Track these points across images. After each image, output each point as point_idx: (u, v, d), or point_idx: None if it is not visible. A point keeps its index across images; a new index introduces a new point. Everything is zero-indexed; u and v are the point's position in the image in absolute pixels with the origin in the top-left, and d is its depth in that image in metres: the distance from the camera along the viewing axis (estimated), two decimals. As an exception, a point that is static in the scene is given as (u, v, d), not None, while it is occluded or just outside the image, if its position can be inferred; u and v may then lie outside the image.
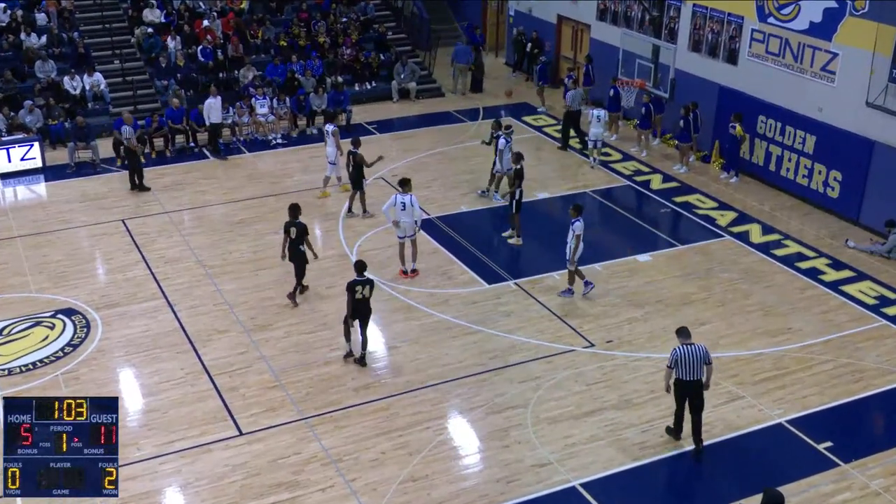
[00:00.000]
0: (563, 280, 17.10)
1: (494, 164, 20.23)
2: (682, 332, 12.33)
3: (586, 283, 16.52)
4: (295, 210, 16.12)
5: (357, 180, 19.38)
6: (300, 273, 16.37)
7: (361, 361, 14.63)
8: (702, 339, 15.22)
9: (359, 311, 14.42)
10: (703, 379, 12.21)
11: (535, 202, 20.60)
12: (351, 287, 14.28)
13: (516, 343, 15.24)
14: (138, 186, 21.01)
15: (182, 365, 14.58)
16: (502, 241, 18.76)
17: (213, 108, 22.73)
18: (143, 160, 21.56)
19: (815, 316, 16.20)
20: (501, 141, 19.95)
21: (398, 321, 15.89)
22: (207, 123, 23.06)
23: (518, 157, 18.60)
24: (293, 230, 15.97)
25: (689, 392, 12.26)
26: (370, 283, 14.39)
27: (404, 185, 17.02)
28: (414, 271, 17.37)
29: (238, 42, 26.89)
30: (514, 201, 18.36)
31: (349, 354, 14.74)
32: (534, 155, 23.46)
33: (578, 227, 15.99)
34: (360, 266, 14.44)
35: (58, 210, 20.27)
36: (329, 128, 20.54)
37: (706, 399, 12.50)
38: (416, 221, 16.94)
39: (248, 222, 19.58)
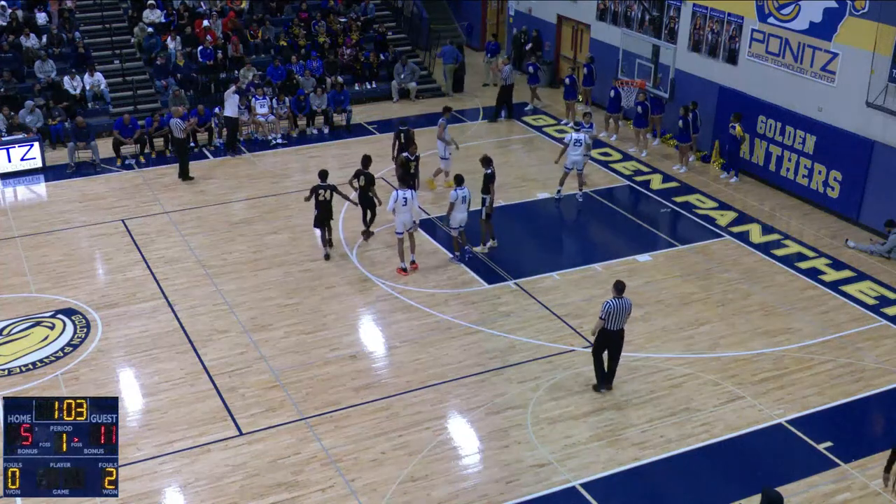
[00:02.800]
0: (563, 280, 17.13)
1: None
2: (618, 287, 13.37)
3: (462, 252, 17.85)
4: (366, 160, 18.13)
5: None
6: (367, 217, 18.44)
7: (329, 244, 18.03)
8: (702, 338, 15.32)
9: (323, 211, 17.53)
10: (624, 328, 13.51)
11: (536, 202, 20.62)
12: (314, 190, 17.40)
13: (516, 343, 15.24)
14: (184, 176, 21.57)
15: (182, 365, 14.58)
16: (502, 240, 18.71)
17: (228, 101, 22.82)
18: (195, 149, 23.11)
19: (815, 316, 16.19)
20: (576, 136, 20.02)
21: (398, 321, 15.89)
22: (222, 117, 23.45)
23: (487, 162, 18.14)
24: (362, 178, 17.89)
25: (612, 341, 13.48)
26: (332, 187, 17.50)
27: (460, 183, 17.53)
28: (413, 263, 17.48)
29: (238, 42, 26.91)
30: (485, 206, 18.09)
31: (327, 256, 17.87)
32: (534, 155, 23.51)
33: (452, 195, 17.24)
34: (323, 174, 17.59)
35: (58, 210, 20.27)
36: (441, 121, 20.86)
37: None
38: (414, 220, 17.21)
39: (247, 222, 19.58)
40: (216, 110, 23.94)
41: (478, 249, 18.22)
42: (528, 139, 24.58)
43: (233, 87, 23.09)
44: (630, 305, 13.46)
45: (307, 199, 17.58)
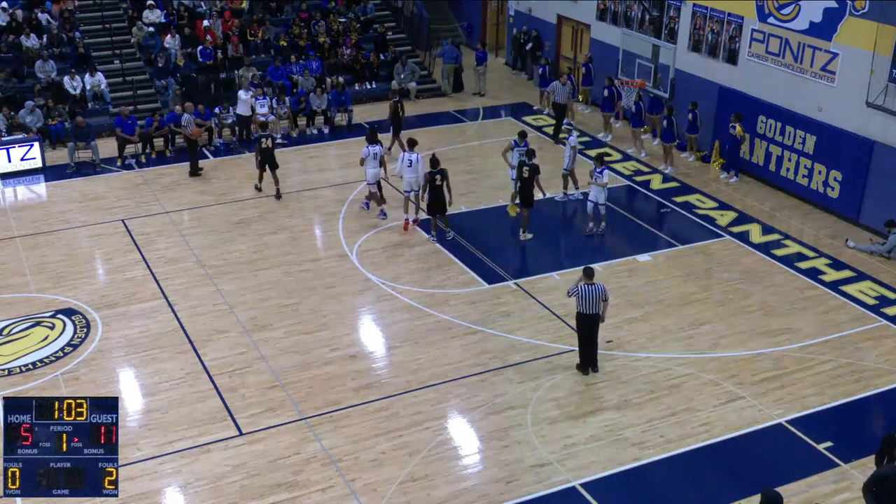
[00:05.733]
0: (563, 280, 17.15)
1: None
2: (587, 273, 13.89)
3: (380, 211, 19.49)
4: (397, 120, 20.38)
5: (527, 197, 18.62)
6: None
7: (277, 196, 20.46)
8: (702, 338, 15.32)
9: (266, 158, 20.22)
10: (600, 312, 13.89)
11: (535, 202, 20.56)
12: (258, 139, 20.28)
13: (516, 343, 15.24)
14: (194, 172, 21.99)
15: (182, 365, 14.58)
16: (502, 240, 18.76)
17: (241, 101, 23.47)
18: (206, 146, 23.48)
19: (815, 316, 16.19)
20: (572, 138, 20.37)
21: (398, 321, 15.89)
22: (234, 115, 23.98)
23: (530, 154, 18.83)
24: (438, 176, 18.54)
25: (589, 324, 13.94)
26: (272, 136, 20.60)
27: (412, 145, 18.83)
28: (416, 221, 19.02)
29: (238, 42, 26.91)
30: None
31: (258, 188, 20.77)
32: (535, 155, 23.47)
33: (363, 152, 18.95)
34: (264, 125, 21.60)
35: (58, 210, 20.27)
36: (513, 142, 20.22)
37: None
38: (419, 179, 18.60)
39: (247, 222, 19.58)
40: (217, 110, 23.97)
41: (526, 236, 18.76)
42: (528, 139, 24.51)
43: (242, 88, 23.70)
44: (603, 290, 13.79)
45: (259, 154, 20.14)
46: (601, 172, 18.73)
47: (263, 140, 20.13)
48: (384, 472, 12.25)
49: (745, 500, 11.73)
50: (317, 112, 25.05)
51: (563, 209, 20.55)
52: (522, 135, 20.16)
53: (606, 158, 23.01)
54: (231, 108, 24.17)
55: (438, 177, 18.09)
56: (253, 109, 24.09)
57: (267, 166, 20.33)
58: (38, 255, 18.08)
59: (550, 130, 25.05)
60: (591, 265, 14.47)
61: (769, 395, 13.90)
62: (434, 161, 18.33)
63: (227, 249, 18.35)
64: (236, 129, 24.14)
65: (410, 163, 18.57)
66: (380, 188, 19.37)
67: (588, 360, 14.32)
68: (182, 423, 13.18)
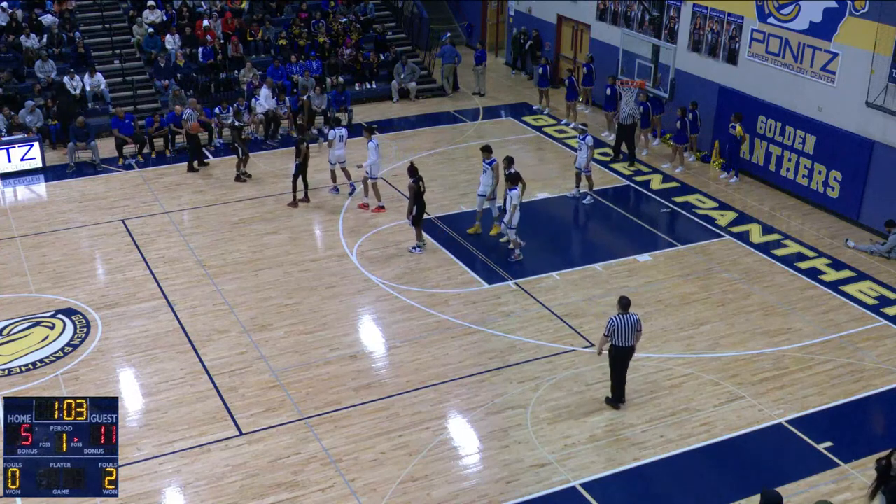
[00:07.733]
0: (563, 280, 17.14)
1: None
2: (623, 303, 13.05)
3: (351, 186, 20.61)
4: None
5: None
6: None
7: (245, 173, 21.87)
8: (702, 338, 15.31)
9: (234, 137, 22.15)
10: (634, 344, 13.14)
11: (535, 202, 20.59)
12: (212, 120, 23.06)
13: (516, 343, 15.24)
14: (195, 168, 22.30)
15: (182, 365, 14.58)
16: (501, 241, 18.78)
17: (265, 100, 23.90)
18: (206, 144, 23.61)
19: (815, 316, 16.19)
20: (589, 138, 20.30)
21: (398, 321, 15.89)
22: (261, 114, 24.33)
23: (509, 161, 18.32)
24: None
25: (624, 357, 13.20)
26: (239, 115, 22.46)
27: (372, 131, 19.84)
28: (380, 207, 19.87)
29: (238, 42, 26.91)
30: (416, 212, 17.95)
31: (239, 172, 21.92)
32: (535, 155, 23.50)
33: (330, 134, 20.18)
34: (237, 113, 22.58)
35: (58, 210, 20.27)
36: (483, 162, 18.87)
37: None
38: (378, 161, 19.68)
39: (247, 222, 19.58)
40: (217, 110, 23.96)
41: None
42: (528, 139, 24.56)
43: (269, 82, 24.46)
44: (637, 321, 13.05)
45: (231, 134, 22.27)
46: (511, 192, 17.39)
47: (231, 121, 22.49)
48: (384, 472, 12.25)
49: (745, 500, 11.73)
50: (317, 112, 25.05)
51: (572, 208, 20.56)
52: (487, 150, 18.76)
53: (606, 159, 23.02)
54: (230, 107, 24.11)
55: (421, 184, 17.88)
56: (252, 109, 24.13)
57: (240, 150, 21.89)
58: (38, 255, 18.08)
59: (551, 131, 25.06)
60: (625, 295, 13.30)
61: (769, 395, 13.90)
62: (413, 170, 17.87)
63: (227, 249, 18.35)
64: (261, 127, 24.44)
65: (377, 146, 19.56)
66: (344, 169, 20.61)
67: (622, 394, 13.61)
68: (182, 423, 13.18)
